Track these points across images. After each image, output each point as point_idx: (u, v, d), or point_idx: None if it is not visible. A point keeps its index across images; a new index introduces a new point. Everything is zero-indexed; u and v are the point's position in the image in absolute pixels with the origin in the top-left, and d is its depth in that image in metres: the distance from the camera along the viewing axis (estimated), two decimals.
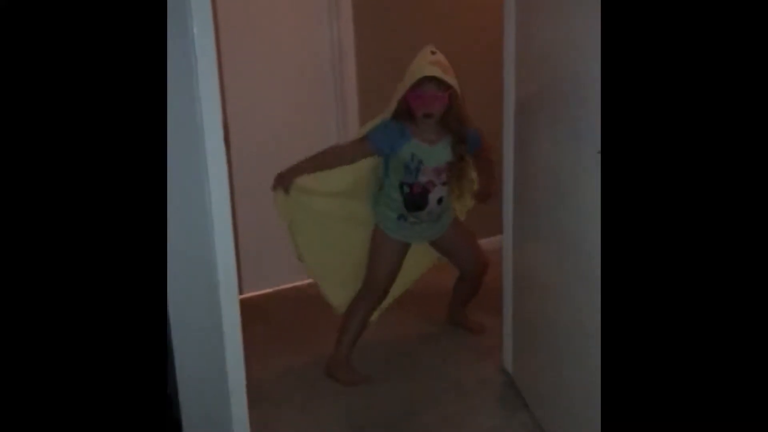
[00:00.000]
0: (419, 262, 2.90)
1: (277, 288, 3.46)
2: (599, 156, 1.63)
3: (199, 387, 1.98)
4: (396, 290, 2.83)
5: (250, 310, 3.03)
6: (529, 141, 2.28)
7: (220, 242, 1.87)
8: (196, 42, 1.69)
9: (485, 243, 3.83)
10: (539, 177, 2.19)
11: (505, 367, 2.65)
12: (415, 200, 2.59)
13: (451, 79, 2.46)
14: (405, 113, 2.54)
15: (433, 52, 2.50)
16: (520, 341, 2.52)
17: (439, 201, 2.62)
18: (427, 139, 2.54)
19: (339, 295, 2.76)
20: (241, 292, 2.07)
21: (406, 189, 2.57)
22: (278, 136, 3.34)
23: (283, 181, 2.51)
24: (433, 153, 2.56)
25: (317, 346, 2.85)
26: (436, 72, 2.44)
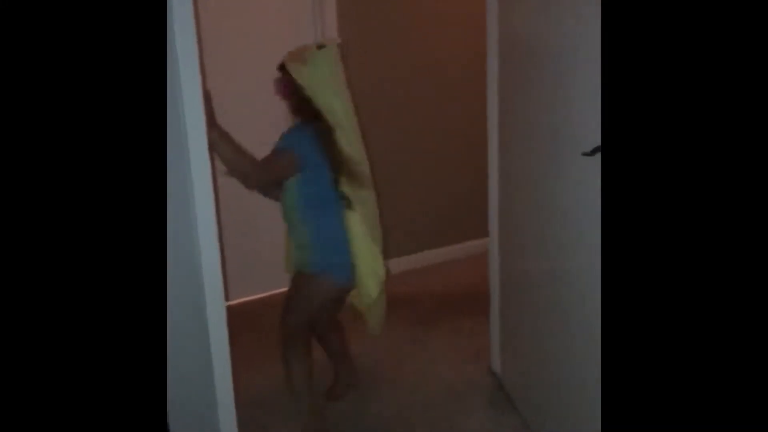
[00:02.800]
0: None
1: (264, 294, 3.45)
2: (582, 158, 1.64)
3: (186, 393, 1.97)
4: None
5: (238, 316, 3.02)
6: (513, 143, 2.29)
7: (205, 248, 1.86)
8: (177, 43, 1.68)
9: (473, 245, 3.86)
10: (523, 179, 2.20)
11: (493, 369, 2.66)
12: None
13: (292, 67, 2.20)
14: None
15: (320, 47, 2.24)
16: (507, 343, 2.53)
17: None
18: None
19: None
20: (228, 298, 2.06)
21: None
22: (264, 140, 3.32)
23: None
24: None
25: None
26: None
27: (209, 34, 2.94)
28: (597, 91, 1.51)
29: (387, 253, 3.67)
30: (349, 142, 2.22)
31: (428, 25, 3.62)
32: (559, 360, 2.00)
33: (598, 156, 1.57)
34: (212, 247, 1.89)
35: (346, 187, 2.22)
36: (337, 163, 2.19)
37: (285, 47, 3.33)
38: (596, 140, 1.57)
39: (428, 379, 2.69)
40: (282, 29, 3.36)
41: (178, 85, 1.71)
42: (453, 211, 3.85)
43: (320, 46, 2.22)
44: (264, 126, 3.35)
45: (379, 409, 2.46)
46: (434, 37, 3.63)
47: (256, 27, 3.29)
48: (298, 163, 2.18)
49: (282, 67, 2.25)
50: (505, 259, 2.50)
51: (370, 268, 2.27)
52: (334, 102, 2.20)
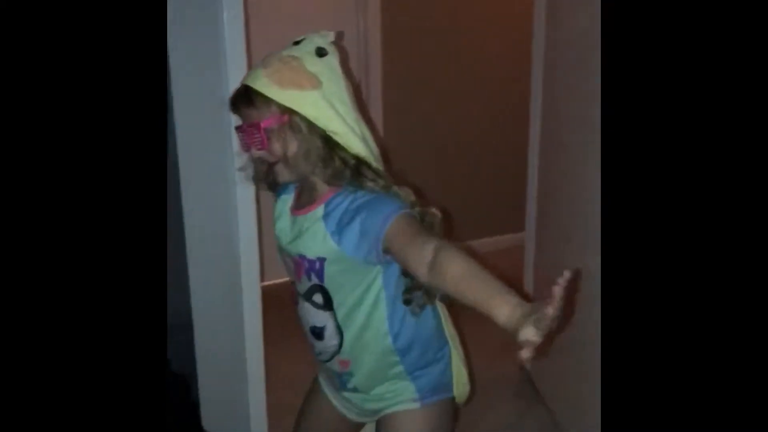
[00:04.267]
0: None
1: None
2: None
3: (218, 371, 2.00)
4: None
5: (271, 297, 3.04)
6: (555, 139, 2.27)
7: (243, 230, 1.89)
8: (226, 31, 1.71)
9: (510, 239, 3.84)
10: (563, 174, 2.18)
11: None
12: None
13: (289, 93, 1.21)
14: None
15: (296, 42, 1.29)
16: None
17: (316, 334, 1.35)
18: (299, 203, 1.36)
19: None
20: (262, 279, 2.09)
21: None
22: None
23: None
24: (290, 226, 1.36)
25: None
26: (252, 78, 1.24)
27: (253, 25, 2.97)
28: None
29: None
30: None
31: (474, 14, 3.61)
32: (589, 355, 1.99)
33: None
34: (250, 227, 1.91)
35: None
36: None
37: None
38: None
39: None
40: (323, 19, 3.37)
41: (224, 62, 1.74)
42: (485, 205, 3.84)
43: (297, 42, 1.29)
44: None
45: None
46: (479, 26, 3.62)
47: (298, 20, 3.31)
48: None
49: (247, 101, 1.24)
50: (539, 252, 2.49)
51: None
52: (358, 134, 1.27)
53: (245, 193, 1.89)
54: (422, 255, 1.13)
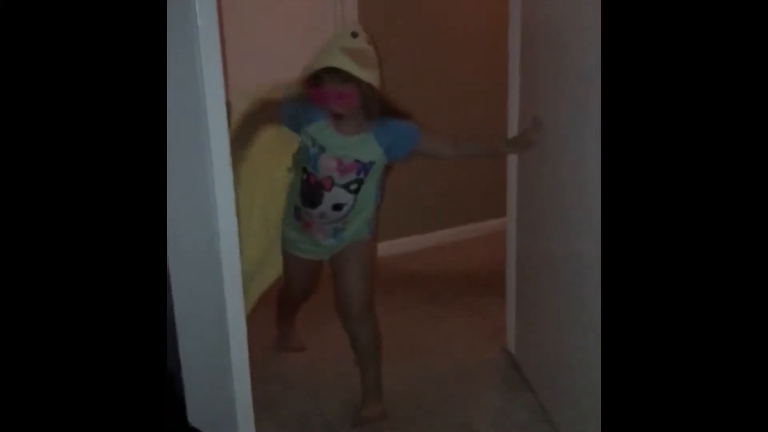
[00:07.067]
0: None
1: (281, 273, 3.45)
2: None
3: (203, 365, 1.99)
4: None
5: None
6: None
7: (224, 225, 1.87)
8: (199, 21, 1.68)
9: (490, 224, 3.85)
10: (543, 159, 2.18)
11: (508, 349, 2.66)
12: (309, 191, 2.18)
13: (367, 73, 1.97)
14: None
15: (354, 35, 2.02)
16: (523, 323, 2.52)
17: (337, 207, 2.17)
18: (343, 129, 2.10)
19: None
20: None
21: (304, 175, 2.18)
22: None
23: None
24: (341, 143, 2.10)
25: (321, 328, 2.86)
26: (342, 63, 1.94)
27: (227, 23, 2.93)
28: None
29: (401, 232, 3.68)
30: None
31: (451, 7, 3.59)
32: (575, 341, 2.00)
33: None
34: (230, 222, 1.90)
35: None
36: None
37: (304, 28, 3.32)
38: None
39: (443, 357, 2.69)
40: (300, 11, 3.33)
41: (200, 75, 1.70)
42: (466, 191, 3.84)
43: (354, 34, 2.02)
44: None
45: (391, 385, 2.47)
46: (457, 18, 3.60)
47: (274, 7, 3.27)
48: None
49: (331, 73, 1.96)
50: (522, 238, 2.49)
51: None
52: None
53: (224, 187, 1.87)
54: (449, 146, 2.31)
